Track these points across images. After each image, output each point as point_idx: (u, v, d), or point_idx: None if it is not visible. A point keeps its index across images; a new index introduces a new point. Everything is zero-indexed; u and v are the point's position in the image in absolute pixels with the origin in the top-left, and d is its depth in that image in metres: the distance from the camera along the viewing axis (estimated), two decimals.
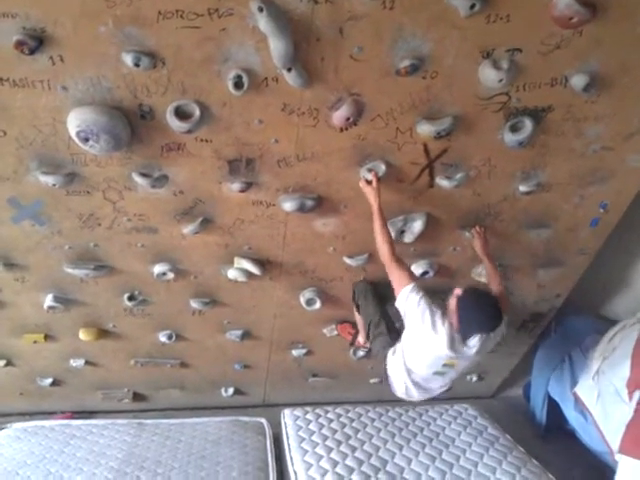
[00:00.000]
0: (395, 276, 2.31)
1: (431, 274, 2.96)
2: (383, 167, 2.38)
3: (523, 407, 4.04)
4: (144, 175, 2.29)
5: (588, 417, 3.01)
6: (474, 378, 4.01)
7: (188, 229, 2.52)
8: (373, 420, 3.28)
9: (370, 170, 2.38)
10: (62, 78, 1.95)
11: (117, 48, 1.89)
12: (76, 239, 2.57)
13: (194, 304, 2.98)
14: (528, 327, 3.62)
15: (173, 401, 3.80)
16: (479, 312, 2.22)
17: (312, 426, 3.18)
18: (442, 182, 2.51)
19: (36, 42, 1.82)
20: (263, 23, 1.83)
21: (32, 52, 1.84)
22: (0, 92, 1.94)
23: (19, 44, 1.81)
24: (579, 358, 3.27)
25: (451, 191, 2.55)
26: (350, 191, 2.48)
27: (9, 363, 3.27)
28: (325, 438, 3.05)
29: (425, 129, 2.25)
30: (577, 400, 3.10)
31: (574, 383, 3.18)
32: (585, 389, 3.02)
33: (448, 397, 3.91)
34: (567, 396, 3.27)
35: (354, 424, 3.23)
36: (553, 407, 3.55)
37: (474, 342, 2.27)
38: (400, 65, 2.04)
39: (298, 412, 3.32)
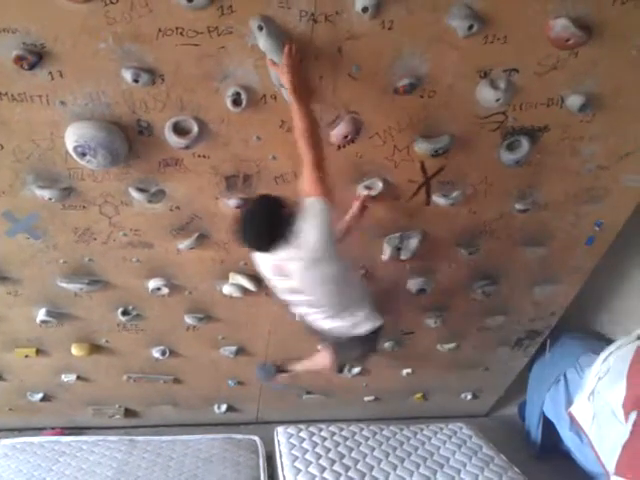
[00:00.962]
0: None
1: (428, 291, 2.96)
2: (380, 184, 2.38)
3: (518, 426, 4.02)
4: (141, 190, 2.28)
5: (584, 438, 3.00)
6: (469, 396, 3.99)
7: (184, 244, 2.52)
8: (367, 438, 3.25)
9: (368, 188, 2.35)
10: (61, 93, 1.95)
11: (116, 64, 1.89)
12: (71, 253, 2.56)
13: (188, 320, 2.96)
14: (523, 345, 3.62)
15: (165, 417, 3.75)
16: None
17: (305, 444, 3.14)
18: (438, 200, 2.51)
19: (36, 57, 1.82)
20: (262, 42, 1.84)
21: (32, 67, 1.84)
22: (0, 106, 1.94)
23: (19, 59, 1.81)
24: (574, 377, 3.26)
25: (447, 209, 2.56)
26: (346, 207, 2.47)
27: (0, 377, 3.22)
28: (319, 457, 3.01)
29: (422, 147, 2.26)
30: (572, 420, 3.08)
31: (569, 403, 3.17)
32: (581, 409, 3.00)
33: (442, 415, 3.94)
34: (562, 416, 3.26)
35: (348, 442, 3.20)
36: (548, 427, 3.53)
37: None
38: (398, 84, 2.05)
39: (291, 430, 3.29)
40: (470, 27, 1.88)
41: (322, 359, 2.68)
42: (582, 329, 3.64)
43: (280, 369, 3.10)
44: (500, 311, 3.27)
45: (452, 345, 3.44)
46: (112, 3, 1.75)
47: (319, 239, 1.93)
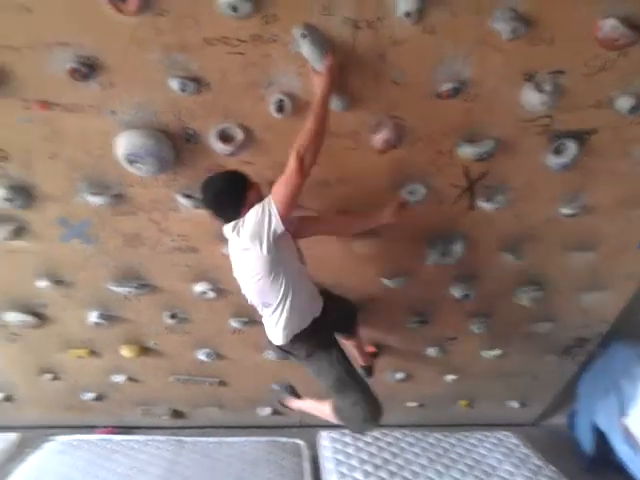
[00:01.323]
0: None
1: (471, 297, 2.91)
2: (423, 190, 2.37)
3: (567, 436, 3.89)
4: (188, 196, 2.35)
5: (638, 450, 2.88)
6: (515, 404, 3.90)
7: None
8: (412, 445, 3.23)
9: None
10: (111, 103, 2.04)
11: (164, 74, 1.96)
12: (121, 258, 2.65)
13: (233, 323, 3.01)
14: (572, 353, 3.51)
15: (211, 419, 3.83)
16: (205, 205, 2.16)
17: (349, 449, 3.14)
18: (483, 204, 2.48)
19: (88, 69, 1.91)
20: (306, 49, 1.87)
21: (84, 78, 1.93)
22: (53, 117, 2.04)
23: (73, 71, 1.90)
24: (627, 387, 3.14)
25: (492, 213, 2.52)
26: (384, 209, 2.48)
27: (55, 377, 3.37)
28: (363, 462, 3.01)
29: (466, 152, 2.24)
30: (627, 432, 2.96)
31: (623, 413, 3.05)
32: (635, 421, 2.89)
33: (487, 423, 3.86)
34: (615, 427, 3.13)
35: (392, 448, 3.18)
36: (600, 438, 3.40)
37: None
38: (441, 88, 2.05)
39: (335, 434, 3.29)
40: (515, 29, 1.86)
41: (329, 411, 2.55)
42: (635, 336, 3.50)
43: (294, 392, 3.13)
44: (547, 318, 3.19)
45: (497, 352, 3.37)
46: (160, 15, 1.82)
47: (252, 233, 1.94)
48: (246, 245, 1.99)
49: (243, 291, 2.29)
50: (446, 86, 2.04)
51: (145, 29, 1.84)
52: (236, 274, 2.23)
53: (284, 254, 2.07)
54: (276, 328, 2.25)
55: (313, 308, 2.31)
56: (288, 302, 2.15)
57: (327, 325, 2.38)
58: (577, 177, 2.40)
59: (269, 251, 1.96)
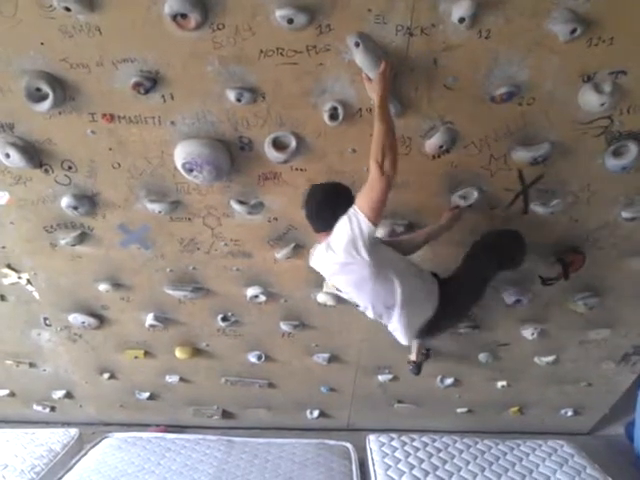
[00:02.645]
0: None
1: (524, 302, 2.86)
2: (475, 194, 2.35)
3: (625, 447, 3.75)
4: (241, 203, 2.41)
5: None
6: (569, 412, 3.79)
7: (281, 254, 2.62)
8: (461, 451, 3.18)
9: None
10: (171, 114, 2.12)
11: (221, 85, 2.03)
12: (177, 262, 2.74)
13: (284, 326, 3.06)
14: (630, 360, 3.39)
15: (260, 420, 3.88)
16: (305, 211, 2.14)
17: (398, 454, 3.13)
18: (537, 208, 2.44)
19: (150, 82, 2.00)
20: (359, 57, 1.90)
21: (147, 91, 2.02)
22: (118, 128, 2.14)
23: (136, 85, 1.99)
24: None
25: (546, 217, 2.48)
26: (441, 217, 2.47)
27: (112, 376, 3.50)
28: (412, 467, 2.99)
29: (521, 155, 2.21)
30: None
31: None
32: None
33: (539, 431, 3.77)
34: None
35: (441, 454, 3.14)
36: None
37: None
38: (495, 92, 2.03)
39: (383, 438, 3.28)
40: (573, 31, 1.83)
41: None
42: None
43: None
44: (604, 324, 3.09)
45: (551, 358, 3.29)
46: (219, 29, 1.88)
47: (346, 244, 1.94)
48: (345, 259, 1.97)
49: (363, 307, 2.25)
50: (500, 90, 2.03)
51: (204, 43, 1.91)
52: (347, 293, 2.22)
53: (385, 253, 2.10)
54: (408, 323, 2.23)
55: (430, 297, 2.26)
56: (407, 295, 2.14)
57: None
58: (638, 179, 2.33)
59: (370, 254, 1.95)
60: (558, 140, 2.19)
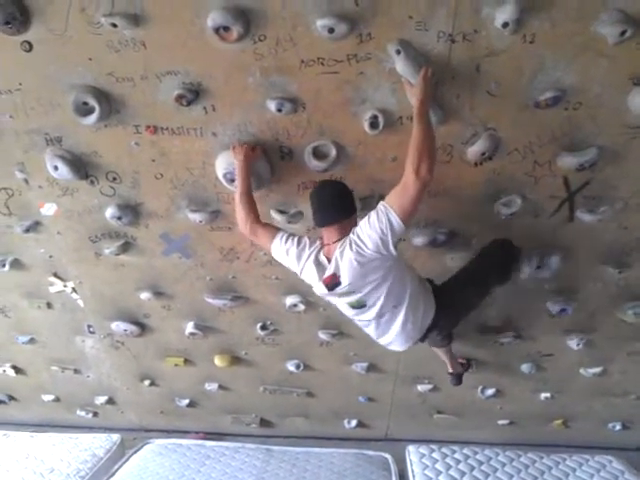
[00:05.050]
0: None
1: (569, 312, 2.78)
2: (519, 201, 2.30)
3: None
4: (281, 212, 2.42)
5: None
6: (617, 426, 3.66)
7: None
8: (504, 465, 3.10)
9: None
10: (213, 125, 2.15)
11: (262, 96, 2.05)
12: (217, 271, 2.77)
13: (322, 335, 3.05)
14: None
15: (297, 429, 3.87)
16: (313, 206, 2.09)
17: (439, 465, 3.07)
18: (583, 216, 2.37)
19: (193, 94, 2.04)
20: (400, 65, 1.89)
21: (189, 103, 2.06)
22: (161, 139, 2.19)
23: (179, 97, 2.03)
24: None
25: (593, 225, 2.40)
26: (483, 225, 2.43)
27: (153, 383, 3.55)
28: None
29: (566, 161, 2.15)
30: None
31: None
32: None
33: (585, 445, 3.65)
34: None
35: (483, 467, 3.07)
36: None
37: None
38: (540, 98, 1.99)
39: (424, 450, 3.23)
40: (623, 32, 1.78)
41: None
42: None
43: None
44: None
45: (597, 369, 3.18)
46: (260, 41, 1.91)
47: (375, 240, 1.90)
48: (374, 254, 1.93)
49: (368, 306, 2.14)
50: (545, 95, 1.98)
51: (246, 55, 1.94)
52: (358, 289, 2.09)
53: (399, 253, 2.07)
54: (413, 322, 2.21)
55: (429, 300, 2.26)
56: (415, 295, 2.15)
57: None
58: None
59: (395, 250, 1.94)
60: (606, 145, 2.13)
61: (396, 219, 1.86)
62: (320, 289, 2.09)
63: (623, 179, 2.25)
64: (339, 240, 1.99)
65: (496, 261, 2.43)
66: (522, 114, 2.06)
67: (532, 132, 2.12)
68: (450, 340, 2.88)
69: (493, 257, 2.44)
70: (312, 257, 2.06)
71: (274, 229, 2.18)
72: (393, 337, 2.28)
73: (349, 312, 2.22)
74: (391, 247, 1.91)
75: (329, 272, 2.00)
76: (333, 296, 2.13)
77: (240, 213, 2.16)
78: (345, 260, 1.95)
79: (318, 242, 2.10)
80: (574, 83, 1.96)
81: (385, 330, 2.26)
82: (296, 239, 2.11)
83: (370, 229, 1.90)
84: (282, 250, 2.11)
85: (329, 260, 2.02)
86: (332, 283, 2.02)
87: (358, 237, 1.93)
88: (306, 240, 2.10)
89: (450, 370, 3.08)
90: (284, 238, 2.12)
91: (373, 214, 1.91)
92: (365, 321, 2.24)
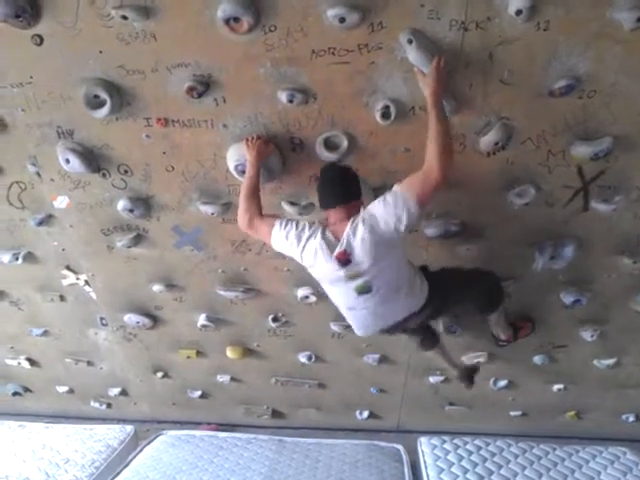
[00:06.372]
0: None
1: (583, 302, 2.76)
2: (533, 191, 2.28)
3: None
4: (292, 204, 2.42)
5: None
6: (631, 418, 3.63)
7: None
8: (516, 456, 3.09)
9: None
10: (223, 117, 2.15)
11: (273, 87, 2.04)
12: (228, 263, 2.77)
13: (334, 327, 3.04)
14: None
15: (309, 420, 3.88)
16: (321, 188, 2.14)
17: (451, 457, 3.06)
18: (598, 205, 2.35)
19: (203, 86, 2.03)
20: (413, 54, 1.87)
21: (200, 95, 2.05)
22: (172, 132, 2.19)
23: (190, 89, 2.02)
24: None
25: (608, 214, 2.38)
26: (496, 216, 2.41)
27: (165, 375, 3.58)
28: (465, 471, 2.92)
29: (581, 151, 2.12)
30: None
31: None
32: None
33: (598, 437, 3.63)
34: None
35: (495, 458, 3.06)
36: None
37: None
38: (554, 86, 1.96)
39: (435, 441, 3.22)
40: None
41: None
42: None
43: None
44: None
45: (611, 361, 3.16)
46: (270, 31, 1.90)
47: (390, 219, 1.93)
48: (382, 233, 1.95)
49: (375, 289, 2.10)
50: (559, 83, 1.96)
51: (256, 45, 1.93)
52: (366, 270, 2.06)
53: None
54: (411, 299, 2.22)
55: (423, 286, 2.27)
56: (413, 276, 2.20)
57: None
58: None
59: (407, 231, 1.97)
60: (621, 134, 2.10)
61: (414, 206, 1.88)
62: (323, 268, 2.08)
63: (638, 168, 2.22)
64: (347, 220, 2.01)
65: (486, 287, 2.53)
66: (536, 103, 2.04)
67: (546, 121, 2.10)
68: (436, 340, 2.90)
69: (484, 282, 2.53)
70: (316, 237, 2.05)
71: (272, 218, 2.19)
72: (386, 320, 2.26)
73: (349, 299, 2.18)
74: (403, 227, 1.93)
75: (339, 249, 2.00)
76: (338, 282, 2.11)
77: (241, 207, 2.18)
78: (358, 237, 1.96)
79: (318, 224, 2.10)
80: (589, 71, 1.92)
81: (384, 313, 2.23)
82: (294, 222, 2.12)
83: (386, 212, 1.93)
84: (282, 235, 2.11)
85: (337, 239, 2.02)
86: (344, 259, 2.01)
87: (372, 216, 1.95)
88: (305, 223, 2.11)
89: (455, 374, 3.08)
90: (283, 223, 2.13)
91: (389, 197, 1.93)
92: (362, 309, 2.20)
